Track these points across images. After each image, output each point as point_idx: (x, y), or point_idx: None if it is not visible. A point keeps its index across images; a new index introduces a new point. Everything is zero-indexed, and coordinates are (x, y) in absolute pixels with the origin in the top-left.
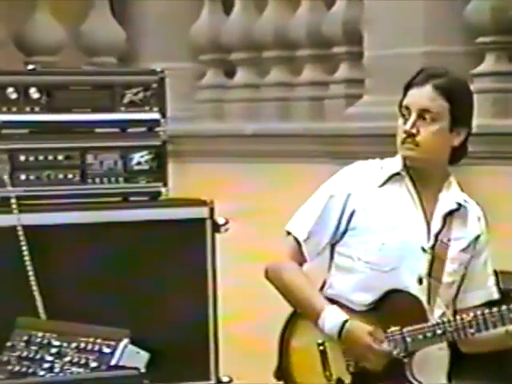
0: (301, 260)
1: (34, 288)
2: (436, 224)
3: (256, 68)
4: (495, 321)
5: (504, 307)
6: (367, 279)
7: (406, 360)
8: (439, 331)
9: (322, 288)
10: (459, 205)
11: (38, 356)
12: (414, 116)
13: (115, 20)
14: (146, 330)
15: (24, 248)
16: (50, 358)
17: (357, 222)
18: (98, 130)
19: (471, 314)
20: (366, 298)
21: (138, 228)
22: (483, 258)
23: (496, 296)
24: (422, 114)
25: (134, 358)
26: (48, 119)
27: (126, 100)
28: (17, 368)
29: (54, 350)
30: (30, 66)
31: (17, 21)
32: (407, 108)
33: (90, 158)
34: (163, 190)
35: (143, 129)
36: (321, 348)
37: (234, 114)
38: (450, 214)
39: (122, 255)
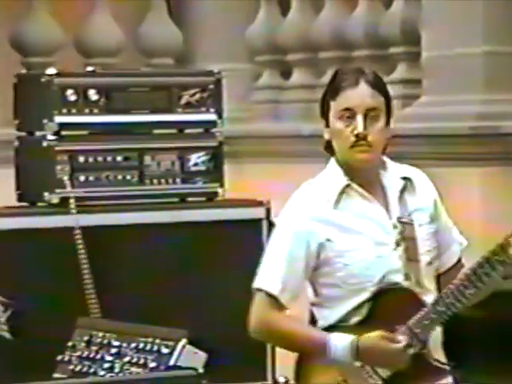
0: (281, 309)
1: (92, 288)
2: (395, 210)
3: (312, 69)
4: (486, 271)
5: (486, 254)
6: (361, 298)
7: (425, 350)
8: (440, 308)
9: (312, 320)
10: (404, 179)
11: (98, 356)
12: (361, 117)
13: (172, 21)
14: (204, 330)
15: (82, 249)
16: (109, 358)
17: (327, 253)
18: (155, 131)
19: (460, 276)
20: (363, 314)
21: (194, 228)
22: (443, 215)
23: (465, 241)
24: (367, 113)
25: (191, 358)
26: (107, 121)
27: (183, 101)
28: (78, 367)
29: (113, 350)
30: (89, 68)
31: (76, 23)
32: (349, 110)
33: (147, 159)
34: (220, 190)
35: (200, 130)
36: (339, 380)
37: (290, 115)
38: (402, 191)
39: (178, 256)
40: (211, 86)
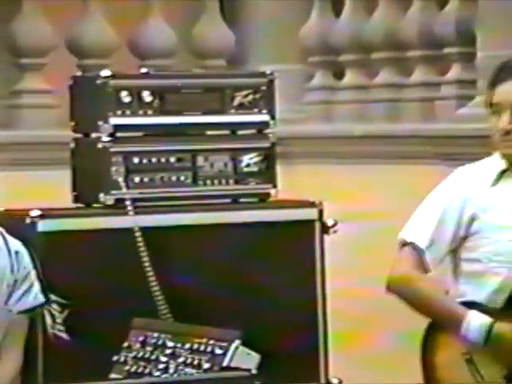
0: (423, 269)
1: (150, 289)
2: None
3: (365, 69)
4: None
5: None
6: (504, 279)
7: None
8: None
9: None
10: None
11: (153, 356)
12: (508, 113)
13: (225, 23)
14: (257, 331)
15: (142, 249)
16: (164, 359)
17: (479, 224)
18: (208, 133)
19: None
20: (502, 298)
21: (247, 229)
22: None
23: None
24: None
25: (245, 359)
26: (160, 122)
27: (235, 102)
28: (133, 368)
29: (168, 351)
30: (143, 70)
31: (131, 26)
32: (498, 105)
33: (200, 160)
34: (272, 191)
35: (253, 131)
36: (467, 357)
37: (342, 116)
38: None
39: (231, 256)
40: (264, 87)
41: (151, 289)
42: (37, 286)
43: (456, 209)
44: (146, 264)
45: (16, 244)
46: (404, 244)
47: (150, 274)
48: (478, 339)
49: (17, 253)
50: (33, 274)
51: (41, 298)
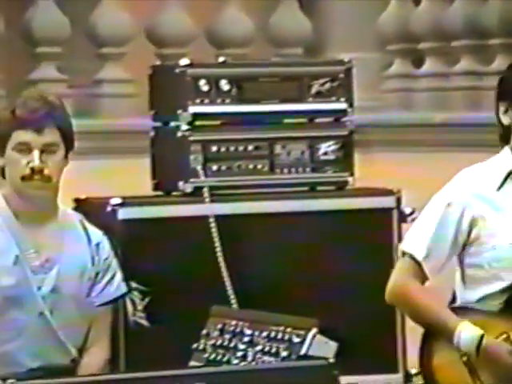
0: (422, 279)
1: (226, 277)
2: None
3: (445, 57)
4: None
5: None
6: (503, 284)
7: None
8: None
9: (453, 300)
10: None
11: (231, 344)
12: None
13: (302, 11)
14: (334, 319)
15: (216, 237)
16: (242, 347)
17: (479, 231)
18: (286, 121)
19: None
20: (500, 301)
21: (324, 217)
22: None
23: None
24: None
25: (322, 347)
26: (238, 110)
27: (313, 91)
28: (212, 356)
29: (246, 339)
30: (221, 59)
31: (209, 15)
32: None
33: (278, 149)
34: (350, 179)
35: (330, 119)
36: (464, 359)
37: (421, 104)
38: None
39: (308, 244)
40: (342, 75)
41: (228, 277)
42: (118, 276)
43: (454, 217)
44: (219, 252)
45: (97, 235)
46: (403, 254)
47: (222, 262)
48: (470, 350)
49: (97, 244)
50: (114, 263)
51: (123, 288)
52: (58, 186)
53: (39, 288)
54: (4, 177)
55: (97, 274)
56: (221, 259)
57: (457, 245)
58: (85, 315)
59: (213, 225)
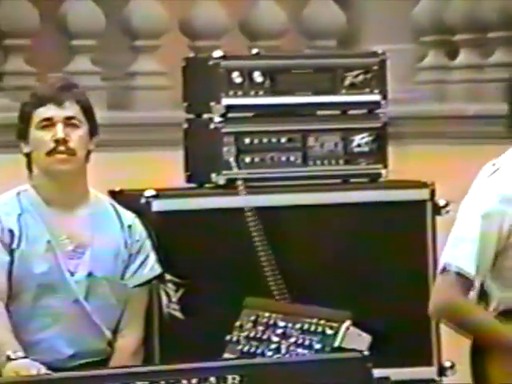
0: (467, 293)
1: (261, 268)
2: None
3: (480, 49)
4: None
5: None
6: None
7: None
8: None
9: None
10: None
11: (264, 336)
12: None
13: (336, 3)
14: (368, 311)
15: (252, 229)
16: (276, 339)
17: None
18: (319, 113)
19: None
20: None
21: (357, 210)
22: None
23: None
24: None
25: (356, 340)
26: (271, 102)
27: (346, 82)
28: (246, 348)
29: (279, 331)
30: (254, 51)
31: (242, 7)
32: None
33: (311, 141)
34: (383, 171)
35: (364, 111)
36: None
37: (455, 95)
38: None
39: (342, 237)
40: (375, 67)
41: (262, 268)
42: (152, 258)
43: (494, 228)
44: (257, 244)
45: (128, 217)
46: (444, 269)
47: (261, 253)
48: None
49: (130, 226)
50: (147, 245)
51: (157, 269)
52: (85, 166)
53: (73, 274)
54: (30, 170)
55: (130, 255)
56: (258, 250)
57: (498, 251)
58: (119, 298)
59: (250, 217)
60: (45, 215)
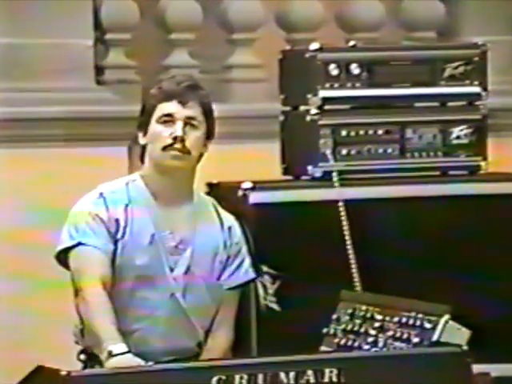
0: None
1: (354, 261)
2: None
3: None
4: None
5: None
6: None
7: None
8: None
9: None
10: None
11: (362, 329)
12: None
13: None
14: (467, 305)
15: (344, 222)
16: (373, 332)
17: None
18: (417, 105)
19: None
20: None
21: (456, 202)
22: None
23: None
24: None
25: (454, 334)
26: (368, 94)
27: (445, 74)
28: (343, 341)
29: (376, 324)
30: (351, 43)
31: (338, 0)
32: None
33: (409, 133)
34: (482, 164)
35: (463, 103)
36: None
37: None
38: None
39: (440, 230)
40: (476, 59)
41: (355, 261)
42: (247, 262)
43: None
44: (348, 237)
45: (229, 219)
46: None
47: (351, 246)
48: None
49: (229, 228)
50: (244, 249)
51: (251, 274)
52: (196, 166)
53: (172, 269)
54: (143, 162)
55: (228, 257)
56: (349, 244)
57: None
58: (215, 298)
59: (342, 210)
60: (151, 208)
